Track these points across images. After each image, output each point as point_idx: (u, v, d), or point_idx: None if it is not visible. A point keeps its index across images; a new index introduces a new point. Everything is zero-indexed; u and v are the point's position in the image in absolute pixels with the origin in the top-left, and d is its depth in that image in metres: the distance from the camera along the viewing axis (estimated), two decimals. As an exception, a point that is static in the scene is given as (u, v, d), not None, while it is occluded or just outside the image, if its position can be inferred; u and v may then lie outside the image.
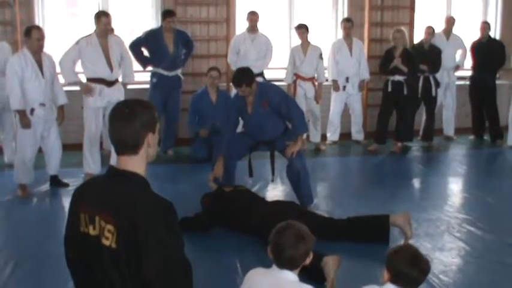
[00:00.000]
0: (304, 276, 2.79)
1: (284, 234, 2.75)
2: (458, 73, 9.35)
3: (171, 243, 2.02)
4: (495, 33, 9.88)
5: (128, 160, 2.15)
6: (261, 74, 8.21)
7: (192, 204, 5.42)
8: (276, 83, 7.91)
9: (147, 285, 1.99)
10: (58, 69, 6.48)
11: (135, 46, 7.72)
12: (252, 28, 8.17)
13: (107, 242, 2.04)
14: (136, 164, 2.15)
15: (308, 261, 2.79)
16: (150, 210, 2.03)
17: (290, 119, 5.62)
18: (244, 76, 5.44)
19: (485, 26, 9.08)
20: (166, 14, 7.71)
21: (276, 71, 8.78)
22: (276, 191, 6.36)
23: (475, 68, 9.17)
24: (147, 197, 2.09)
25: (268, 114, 5.50)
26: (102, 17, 6.56)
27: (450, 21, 9.05)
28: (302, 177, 5.59)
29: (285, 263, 2.75)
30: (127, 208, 2.03)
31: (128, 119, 2.12)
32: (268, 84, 6.29)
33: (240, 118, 5.83)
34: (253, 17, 8.13)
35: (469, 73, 9.41)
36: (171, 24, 7.68)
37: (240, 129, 6.04)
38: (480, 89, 9.01)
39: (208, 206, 5.28)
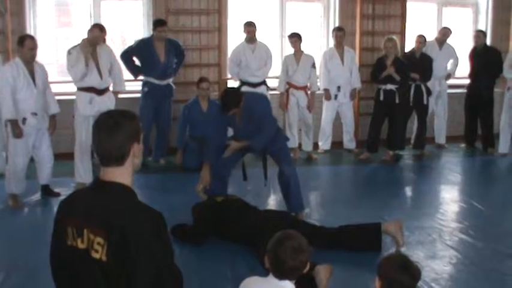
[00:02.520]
0: (296, 286, 2.79)
1: (283, 245, 2.75)
2: (451, 81, 9.37)
3: (161, 253, 2.02)
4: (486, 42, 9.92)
5: (114, 171, 2.14)
6: (264, 83, 8.25)
7: (183, 213, 5.41)
8: (269, 92, 7.98)
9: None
10: (50, 79, 6.45)
11: (126, 55, 7.70)
12: (251, 39, 8.14)
13: (96, 255, 2.03)
14: (122, 175, 2.14)
15: (305, 270, 2.80)
16: (139, 220, 2.02)
17: (259, 131, 5.50)
18: (232, 100, 5.35)
19: (479, 34, 9.02)
20: (158, 23, 7.69)
21: (268, 80, 8.77)
22: (269, 200, 6.36)
23: (472, 76, 9.11)
24: (135, 208, 2.08)
25: (257, 126, 5.46)
26: (95, 28, 6.58)
27: (447, 33, 8.98)
28: (292, 184, 5.57)
29: (284, 274, 2.76)
30: (116, 220, 2.01)
31: (112, 131, 2.11)
32: (254, 98, 6.03)
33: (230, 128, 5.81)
34: (250, 28, 8.08)
35: (460, 81, 9.44)
36: (162, 34, 7.65)
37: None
38: (477, 97, 8.92)
39: (200, 216, 5.26)
